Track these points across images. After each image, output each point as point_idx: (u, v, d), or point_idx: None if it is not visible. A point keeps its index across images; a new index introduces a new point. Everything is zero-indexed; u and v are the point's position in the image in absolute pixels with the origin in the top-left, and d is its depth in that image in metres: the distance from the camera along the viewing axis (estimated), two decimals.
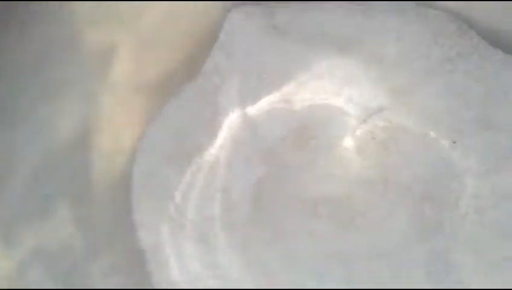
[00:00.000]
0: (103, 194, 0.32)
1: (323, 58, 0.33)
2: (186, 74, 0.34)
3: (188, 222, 0.33)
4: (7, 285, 0.28)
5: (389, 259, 0.31)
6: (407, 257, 0.31)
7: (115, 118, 0.32)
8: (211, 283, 0.32)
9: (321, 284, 0.31)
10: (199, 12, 0.34)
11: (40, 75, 0.30)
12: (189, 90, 0.34)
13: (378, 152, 0.32)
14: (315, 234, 0.32)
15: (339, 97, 0.33)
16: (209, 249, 0.32)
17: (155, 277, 0.33)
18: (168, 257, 0.33)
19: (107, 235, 0.32)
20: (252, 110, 0.34)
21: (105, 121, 0.32)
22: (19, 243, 0.29)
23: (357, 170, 0.32)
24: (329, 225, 0.32)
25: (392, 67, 0.32)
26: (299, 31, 0.33)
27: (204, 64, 0.34)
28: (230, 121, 0.34)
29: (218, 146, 0.34)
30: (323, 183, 0.33)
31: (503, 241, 0.29)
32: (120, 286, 0.31)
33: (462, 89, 0.31)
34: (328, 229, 0.32)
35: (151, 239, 0.33)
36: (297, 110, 0.34)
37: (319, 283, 0.31)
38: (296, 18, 0.33)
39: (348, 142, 0.33)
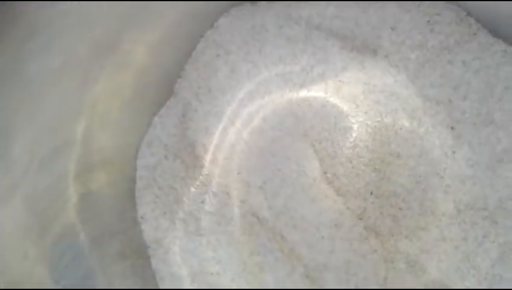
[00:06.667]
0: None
1: (320, 49, 0.32)
2: None
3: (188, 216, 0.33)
4: None
5: None
6: None
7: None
8: (210, 278, 0.33)
9: None
10: None
11: None
12: None
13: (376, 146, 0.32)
14: None
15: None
16: (208, 243, 0.33)
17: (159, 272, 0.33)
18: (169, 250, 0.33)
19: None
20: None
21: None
22: None
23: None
24: None
25: (386, 58, 0.31)
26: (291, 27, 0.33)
27: None
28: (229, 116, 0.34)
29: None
30: None
31: None
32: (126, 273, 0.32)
33: (460, 81, 0.29)
34: None
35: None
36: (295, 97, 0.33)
37: None
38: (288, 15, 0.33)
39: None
